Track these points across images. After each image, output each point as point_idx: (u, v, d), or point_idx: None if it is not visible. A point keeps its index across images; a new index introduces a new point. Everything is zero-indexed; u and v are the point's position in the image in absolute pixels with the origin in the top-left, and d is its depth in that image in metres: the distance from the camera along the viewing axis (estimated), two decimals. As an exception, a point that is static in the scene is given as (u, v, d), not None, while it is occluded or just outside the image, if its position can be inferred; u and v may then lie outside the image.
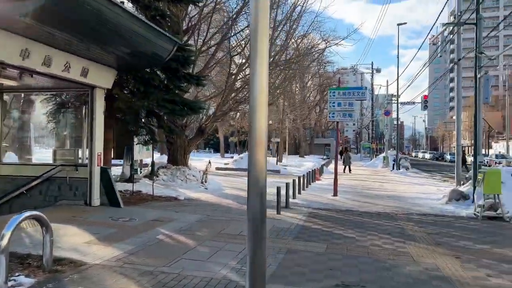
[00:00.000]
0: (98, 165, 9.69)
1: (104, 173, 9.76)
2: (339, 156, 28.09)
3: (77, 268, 5.14)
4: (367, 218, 10.11)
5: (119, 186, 13.74)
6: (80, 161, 10.56)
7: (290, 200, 12.77)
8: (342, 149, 75.97)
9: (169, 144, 16.76)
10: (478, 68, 11.75)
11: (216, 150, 60.77)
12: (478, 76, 11.77)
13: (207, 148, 76.65)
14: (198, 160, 39.28)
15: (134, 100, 10.35)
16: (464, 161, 31.11)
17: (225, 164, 31.26)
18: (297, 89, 49.54)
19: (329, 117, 14.38)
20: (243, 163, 29.29)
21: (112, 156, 17.77)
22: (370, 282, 5.15)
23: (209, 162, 16.99)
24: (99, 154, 9.74)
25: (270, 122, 49.87)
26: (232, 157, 38.31)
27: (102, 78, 9.38)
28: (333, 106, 14.26)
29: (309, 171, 19.90)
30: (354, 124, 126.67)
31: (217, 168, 28.82)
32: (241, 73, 18.05)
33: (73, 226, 7.49)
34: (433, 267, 5.94)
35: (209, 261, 5.75)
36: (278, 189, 10.33)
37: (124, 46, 8.41)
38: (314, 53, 40.99)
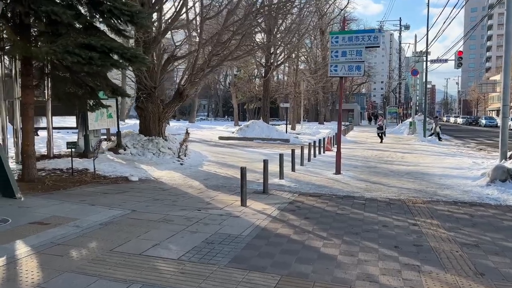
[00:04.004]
0: (-18, 140, 6.84)
1: (-8, 150, 6.93)
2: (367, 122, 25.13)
3: None
4: (370, 211, 6.96)
5: (63, 163, 11.04)
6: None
7: (276, 181, 9.78)
8: (369, 114, 71.48)
9: (140, 110, 13.82)
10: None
11: (236, 118, 57.56)
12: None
13: (225, 116, 73.93)
14: (209, 129, 36.63)
15: (31, 46, 7.35)
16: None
17: (232, 133, 28.27)
18: (319, 50, 45.44)
19: (331, 71, 11.00)
20: (249, 131, 26.25)
21: (76, 126, 15.16)
22: None
23: (187, 132, 14.01)
24: (-17, 123, 6.86)
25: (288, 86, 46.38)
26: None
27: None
28: (336, 56, 10.84)
29: (315, 141, 16.68)
30: (382, 89, 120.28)
31: (221, 138, 25.96)
32: (233, 18, 14.45)
33: None
34: None
35: None
36: (242, 170, 7.24)
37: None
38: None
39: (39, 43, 7.75)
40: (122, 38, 9.06)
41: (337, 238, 5.39)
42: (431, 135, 26.95)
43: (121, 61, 7.72)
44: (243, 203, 7.16)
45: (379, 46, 10.77)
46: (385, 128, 26.22)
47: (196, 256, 4.55)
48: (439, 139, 25.81)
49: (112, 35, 8.89)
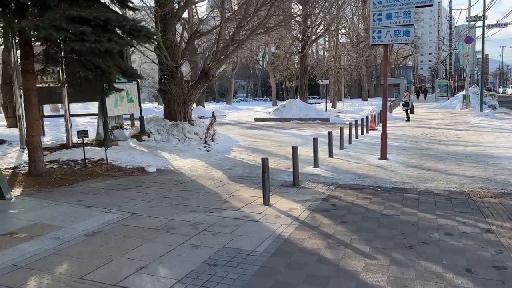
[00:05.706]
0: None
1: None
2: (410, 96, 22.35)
3: None
4: (426, 210, 5.49)
5: (79, 153, 10.21)
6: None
7: (309, 169, 8.45)
8: (416, 88, 67.33)
9: (163, 93, 12.78)
10: None
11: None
12: None
13: (264, 96, 72.41)
14: (247, 110, 35.30)
15: (13, 21, 6.35)
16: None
17: (269, 113, 26.93)
18: (360, 22, 42.67)
19: (373, 37, 9.36)
20: (286, 112, 24.78)
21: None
22: None
23: (213, 116, 12.83)
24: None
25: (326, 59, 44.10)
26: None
27: None
28: (379, 20, 9.16)
29: (358, 120, 15.03)
30: (430, 61, 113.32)
31: (256, 119, 24.69)
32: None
33: None
34: None
35: None
36: (264, 162, 5.95)
37: None
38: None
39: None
40: (128, 11, 7.91)
41: (383, 255, 4.02)
42: None
43: (122, 35, 6.58)
44: (266, 202, 5.91)
45: (432, 5, 8.95)
46: (412, 105, 22.83)
47: (189, 288, 3.37)
48: None
49: (116, 9, 7.78)
